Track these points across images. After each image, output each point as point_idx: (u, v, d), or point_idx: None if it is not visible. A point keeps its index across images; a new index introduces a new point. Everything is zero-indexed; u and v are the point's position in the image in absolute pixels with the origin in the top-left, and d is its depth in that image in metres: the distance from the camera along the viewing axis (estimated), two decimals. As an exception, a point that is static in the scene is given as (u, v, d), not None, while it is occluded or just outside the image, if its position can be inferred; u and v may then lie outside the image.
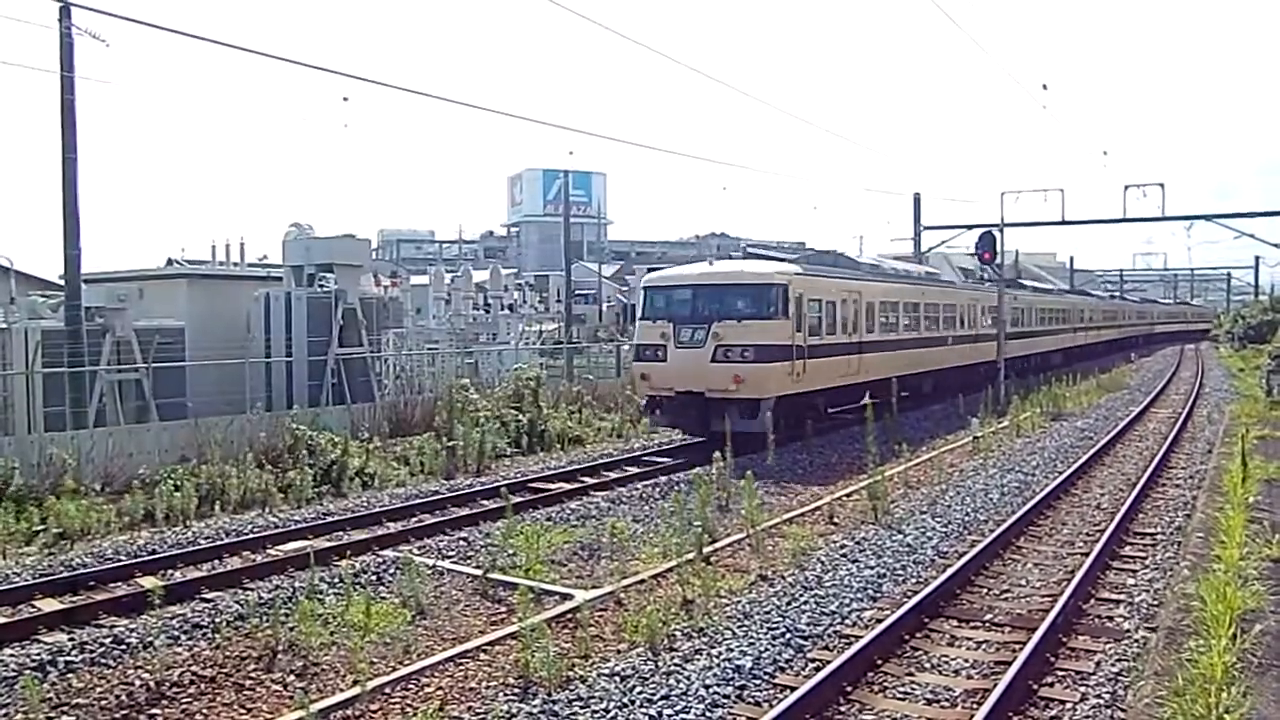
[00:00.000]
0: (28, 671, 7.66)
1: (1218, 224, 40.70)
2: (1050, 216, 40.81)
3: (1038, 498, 13.65)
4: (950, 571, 9.92)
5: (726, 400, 17.42)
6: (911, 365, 24.75)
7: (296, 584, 10.12)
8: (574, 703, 7.02)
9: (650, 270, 29.24)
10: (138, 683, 7.61)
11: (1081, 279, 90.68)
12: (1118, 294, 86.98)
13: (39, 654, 8.16)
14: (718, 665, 7.67)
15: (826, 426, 22.75)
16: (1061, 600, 8.81)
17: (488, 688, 7.43)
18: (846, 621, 8.85)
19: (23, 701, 7.04)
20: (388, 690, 7.41)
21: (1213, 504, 12.49)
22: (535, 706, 6.96)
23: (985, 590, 9.86)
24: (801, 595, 9.55)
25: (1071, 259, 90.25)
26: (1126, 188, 39.37)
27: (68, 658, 8.08)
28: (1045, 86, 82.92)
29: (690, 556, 10.11)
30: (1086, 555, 10.58)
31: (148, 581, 10.28)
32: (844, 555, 11.14)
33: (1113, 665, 7.65)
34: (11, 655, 8.17)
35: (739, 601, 9.40)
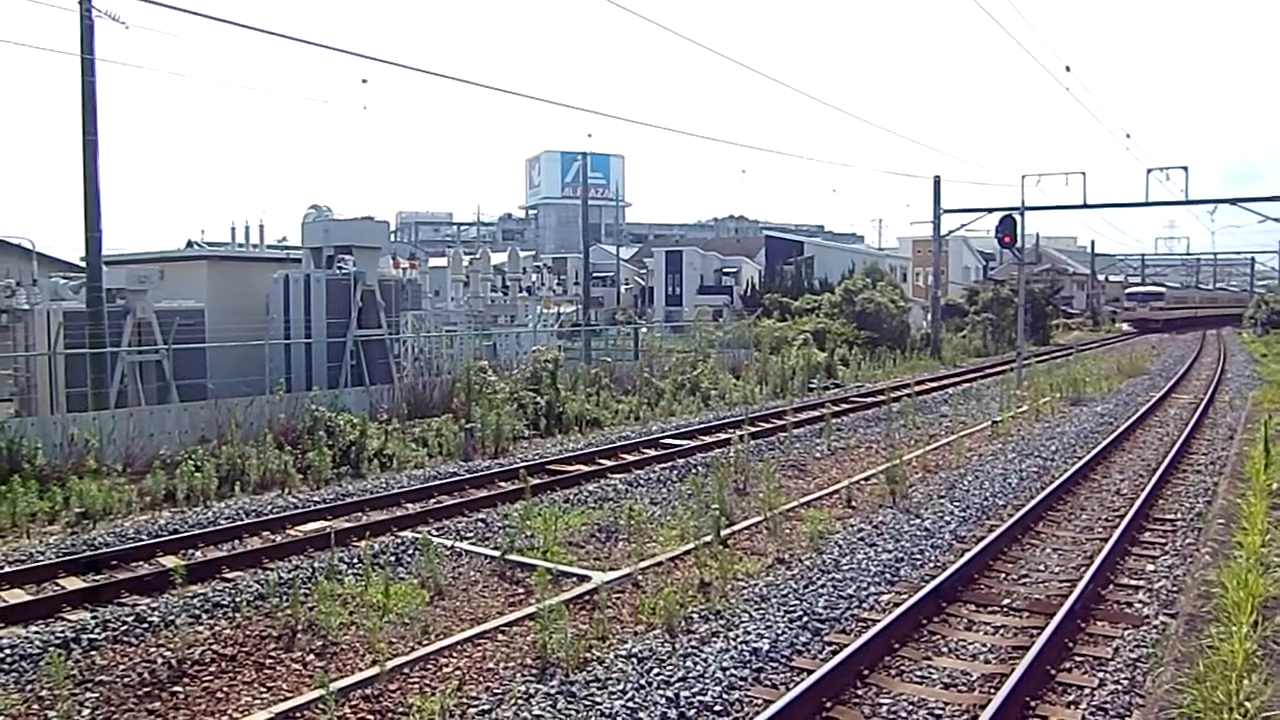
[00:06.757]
0: (52, 649, 7.75)
1: (1242, 208, 40.25)
2: (1072, 200, 40.67)
3: (1057, 483, 13.58)
4: (968, 556, 9.89)
5: (1152, 321, 73.52)
6: (1182, 316, 79.27)
7: (316, 564, 10.20)
8: (591, 684, 7.05)
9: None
10: (159, 661, 7.69)
11: (1102, 263, 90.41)
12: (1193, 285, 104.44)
13: (63, 632, 8.25)
14: (735, 648, 7.68)
15: (845, 409, 22.72)
16: (1080, 585, 8.77)
17: (506, 668, 7.48)
18: (864, 605, 8.84)
19: (47, 678, 7.13)
20: (406, 670, 7.46)
21: (1234, 490, 12.41)
22: (553, 687, 7.00)
23: (1003, 575, 9.82)
24: (819, 579, 9.55)
25: (1093, 243, 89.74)
26: (1149, 171, 39.14)
27: (91, 635, 8.17)
28: (1069, 68, 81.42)
29: (708, 539, 10.13)
30: (1106, 541, 10.52)
31: (169, 561, 10.37)
32: (861, 539, 11.13)
33: (1132, 651, 7.62)
34: (36, 633, 8.26)
35: (756, 584, 9.41)
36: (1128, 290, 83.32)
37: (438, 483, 14.34)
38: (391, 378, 21.91)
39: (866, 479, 14.60)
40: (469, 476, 14.81)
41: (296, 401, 17.31)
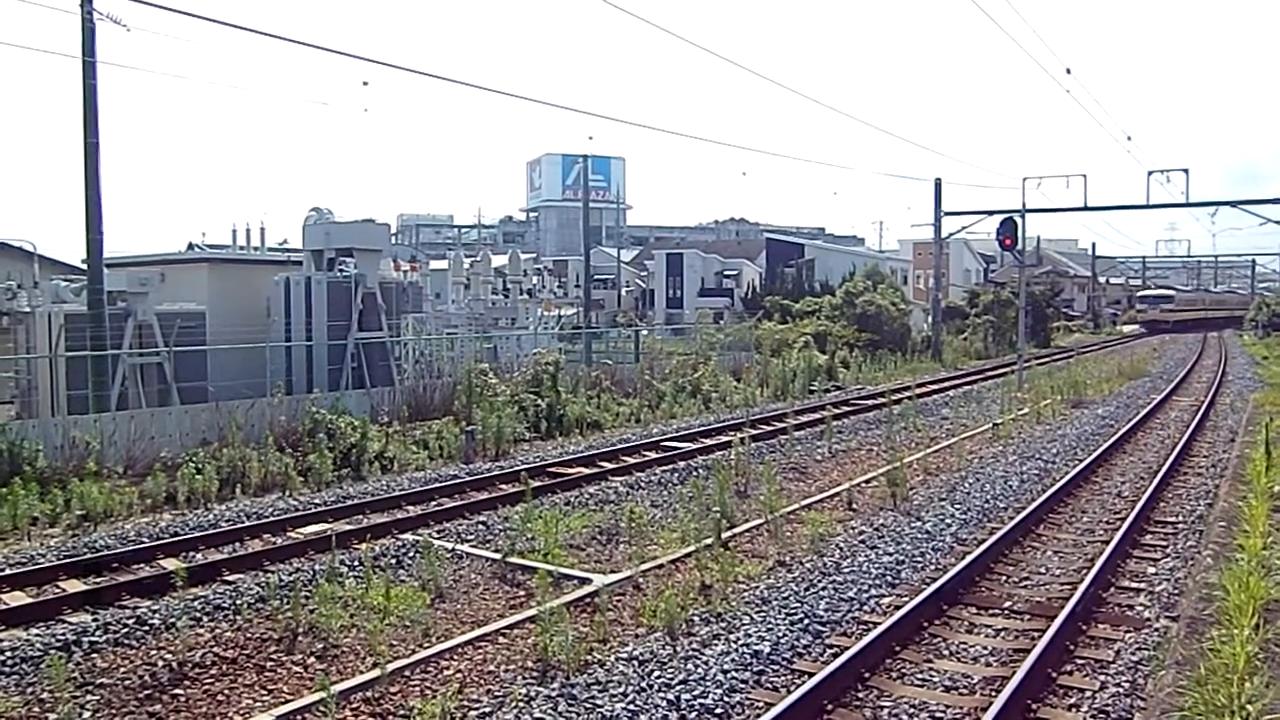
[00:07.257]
0: (53, 651, 7.76)
1: (1243, 210, 40.26)
2: (1073, 202, 40.61)
3: (1058, 485, 13.57)
4: (969, 559, 9.88)
5: (1162, 322, 78.21)
6: (1190, 317, 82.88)
7: (317, 567, 10.20)
8: (592, 686, 7.05)
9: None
10: (160, 663, 7.69)
11: (1103, 265, 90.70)
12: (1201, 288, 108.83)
13: (64, 634, 8.25)
14: (736, 651, 7.68)
15: (846, 412, 22.72)
16: (1081, 588, 8.77)
17: (506, 671, 7.48)
18: (865, 608, 8.84)
19: (48, 680, 7.13)
20: (407, 672, 7.46)
21: (1236, 493, 12.38)
22: (554, 690, 7.00)
23: (1005, 578, 9.82)
24: (820, 581, 9.55)
25: (1094, 245, 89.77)
26: (1150, 173, 39.09)
27: (92, 638, 8.17)
28: (1069, 71, 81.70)
29: (709, 542, 10.12)
30: (1107, 543, 10.52)
31: (170, 563, 10.38)
32: (863, 542, 11.12)
33: (1133, 654, 7.61)
34: (37, 635, 8.27)
35: (757, 587, 9.40)
36: (1140, 293, 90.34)
37: (438, 485, 14.34)
38: (392, 380, 21.91)
39: (867, 481, 14.60)
40: (470, 479, 14.81)
41: (297, 404, 17.31)
